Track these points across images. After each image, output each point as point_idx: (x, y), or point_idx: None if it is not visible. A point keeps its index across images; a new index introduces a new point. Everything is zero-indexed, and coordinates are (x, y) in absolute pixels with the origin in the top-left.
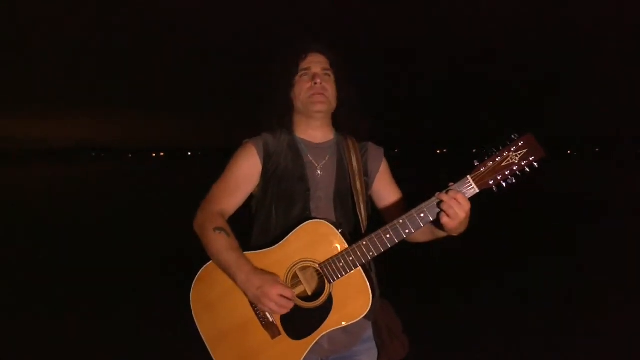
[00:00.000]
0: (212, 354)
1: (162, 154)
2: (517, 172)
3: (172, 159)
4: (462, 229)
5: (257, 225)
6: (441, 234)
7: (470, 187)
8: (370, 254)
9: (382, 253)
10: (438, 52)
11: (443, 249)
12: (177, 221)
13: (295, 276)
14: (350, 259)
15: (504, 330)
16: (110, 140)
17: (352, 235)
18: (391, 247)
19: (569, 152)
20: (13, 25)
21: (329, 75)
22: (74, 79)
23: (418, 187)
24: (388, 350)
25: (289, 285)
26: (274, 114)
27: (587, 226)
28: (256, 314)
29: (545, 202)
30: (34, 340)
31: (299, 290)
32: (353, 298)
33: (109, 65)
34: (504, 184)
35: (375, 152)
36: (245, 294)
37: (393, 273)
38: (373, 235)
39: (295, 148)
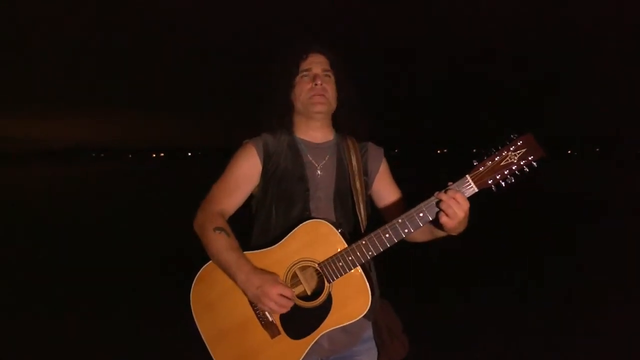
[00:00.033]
0: (212, 354)
1: (162, 154)
2: (516, 172)
3: (172, 159)
4: (461, 229)
5: (257, 225)
6: (440, 233)
7: (469, 187)
8: (370, 253)
9: (382, 253)
10: (438, 52)
11: (442, 249)
12: (177, 221)
13: (294, 276)
14: (350, 258)
15: (504, 330)
16: (110, 140)
17: (352, 235)
18: (390, 247)
19: (569, 152)
20: (13, 25)
21: (329, 76)
22: (74, 79)
23: (418, 187)
24: (388, 350)
25: (289, 284)
26: (274, 114)
27: (587, 226)
28: (256, 313)
29: (545, 202)
30: (34, 340)
31: (298, 290)
32: (352, 298)
33: (109, 65)
34: (503, 184)
35: (375, 152)
36: (245, 294)
37: (392, 273)
38: (372, 234)
39: (295, 148)
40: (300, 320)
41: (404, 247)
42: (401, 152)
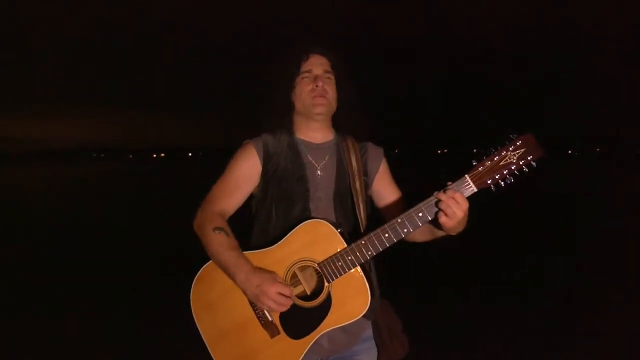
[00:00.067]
0: (212, 354)
1: (162, 154)
2: (515, 172)
3: (172, 159)
4: (460, 228)
5: (257, 225)
6: (440, 233)
7: (469, 187)
8: (369, 253)
9: (381, 252)
10: (438, 52)
11: (442, 249)
12: (177, 221)
13: (294, 276)
14: (349, 258)
15: (503, 330)
16: (110, 140)
17: (352, 235)
18: (390, 247)
19: (569, 152)
20: (13, 25)
21: (330, 78)
22: (74, 79)
23: (418, 187)
24: (388, 349)
25: (288, 284)
26: (274, 114)
27: (587, 226)
28: (255, 313)
29: (545, 202)
30: (34, 340)
31: (298, 289)
32: (352, 297)
33: (109, 65)
34: (502, 184)
35: (375, 152)
36: (245, 293)
37: (392, 273)
38: (372, 234)
39: (295, 149)
40: (300, 320)
41: (403, 247)
42: (401, 152)
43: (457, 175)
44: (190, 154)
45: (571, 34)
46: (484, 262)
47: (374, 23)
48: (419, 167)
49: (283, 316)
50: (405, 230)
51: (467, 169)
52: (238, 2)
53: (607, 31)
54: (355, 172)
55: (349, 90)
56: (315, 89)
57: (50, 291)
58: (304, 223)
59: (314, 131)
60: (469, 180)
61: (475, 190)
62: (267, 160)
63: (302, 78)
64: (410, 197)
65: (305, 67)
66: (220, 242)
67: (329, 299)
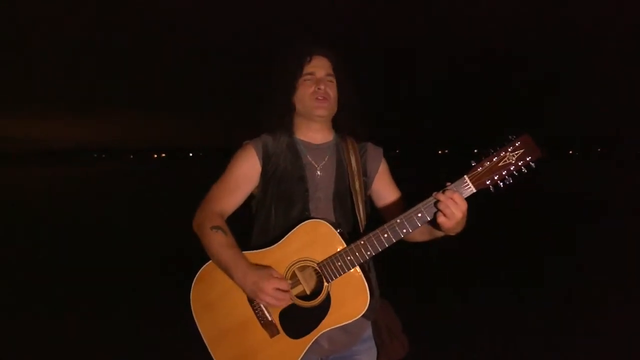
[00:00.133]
0: (212, 354)
1: (163, 154)
2: (514, 172)
3: (173, 159)
4: (459, 229)
5: (257, 226)
6: (439, 233)
7: (468, 187)
8: (368, 253)
9: (381, 253)
10: (438, 52)
11: (442, 249)
12: (177, 221)
13: (294, 275)
14: (349, 258)
15: (503, 330)
16: (110, 140)
17: (351, 235)
18: (389, 247)
19: (569, 152)
20: (13, 25)
21: (332, 81)
22: (74, 79)
23: (418, 187)
24: (387, 349)
25: (286, 279)
26: (274, 115)
27: (587, 226)
28: (255, 312)
29: (545, 202)
30: (34, 340)
31: (297, 289)
32: (351, 297)
33: (109, 65)
34: (501, 184)
35: (374, 152)
36: (243, 290)
37: (392, 273)
38: (371, 234)
39: (294, 149)
40: (299, 320)
41: (403, 247)
42: (401, 152)
43: (456, 176)
44: (190, 154)
45: (571, 34)
46: (484, 262)
47: (374, 23)
48: (419, 167)
49: (282, 316)
50: (405, 230)
51: (466, 169)
52: (238, 2)
53: (607, 31)
54: (355, 173)
55: (350, 92)
56: (317, 92)
57: (50, 291)
58: (303, 223)
59: (314, 132)
60: (468, 181)
61: (474, 191)
62: (267, 161)
63: (304, 80)
64: (410, 197)
65: (307, 69)
66: (218, 241)
67: (328, 299)
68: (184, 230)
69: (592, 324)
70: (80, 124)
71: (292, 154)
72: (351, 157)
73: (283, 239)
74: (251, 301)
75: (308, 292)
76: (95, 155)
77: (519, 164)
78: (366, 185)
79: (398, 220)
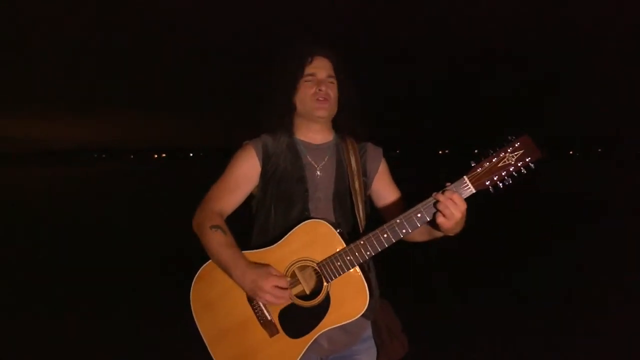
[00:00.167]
0: (211, 353)
1: (163, 154)
2: (514, 173)
3: (173, 159)
4: (457, 229)
5: (257, 225)
6: (438, 234)
7: (467, 188)
8: (368, 253)
9: (380, 252)
10: (438, 52)
11: (442, 249)
12: (177, 221)
13: (293, 275)
14: (348, 258)
15: (503, 330)
16: (110, 140)
17: (351, 235)
18: (388, 247)
19: (569, 152)
20: (13, 25)
21: (333, 82)
22: (74, 79)
23: (418, 187)
24: (387, 349)
25: (285, 277)
26: (274, 115)
27: (587, 226)
28: (254, 312)
29: (545, 202)
30: (34, 340)
31: (297, 289)
32: (350, 297)
33: (109, 65)
34: (500, 185)
35: (374, 153)
36: (243, 289)
37: (391, 273)
38: (371, 235)
39: (294, 149)
40: (299, 319)
41: (403, 247)
42: (401, 152)
43: (456, 176)
44: (190, 154)
45: (571, 34)
46: (484, 262)
47: (374, 23)
48: (419, 167)
49: (282, 315)
50: (404, 231)
51: (466, 170)
52: (238, 2)
53: (607, 31)
54: (355, 173)
55: (350, 92)
56: (318, 93)
57: (50, 291)
58: (303, 223)
59: (315, 132)
60: (467, 182)
61: (474, 191)
62: (267, 161)
63: (306, 81)
64: (410, 197)
65: (309, 70)
66: (217, 240)
67: (327, 299)
68: (184, 230)
69: (592, 324)
70: (80, 124)
71: (292, 154)
72: (351, 157)
73: (283, 239)
74: (251, 300)
75: (307, 292)
76: (95, 155)
77: (519, 165)
78: (366, 186)
79: (397, 221)
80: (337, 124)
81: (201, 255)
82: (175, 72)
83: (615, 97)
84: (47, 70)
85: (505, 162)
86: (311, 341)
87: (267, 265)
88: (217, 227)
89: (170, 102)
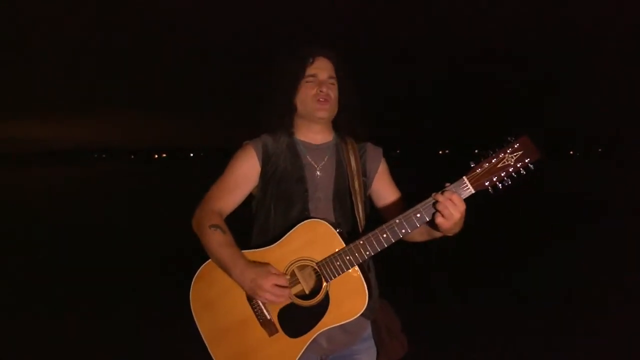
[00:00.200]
0: (211, 352)
1: (163, 154)
2: (513, 174)
3: (173, 159)
4: (456, 230)
5: (257, 225)
6: (437, 234)
7: (466, 188)
8: (367, 253)
9: (379, 252)
10: (438, 52)
11: (442, 249)
12: (177, 221)
13: (293, 275)
14: (348, 258)
15: (503, 330)
16: (110, 140)
17: (350, 235)
18: (388, 247)
19: (569, 152)
20: (13, 25)
21: (334, 83)
22: (74, 80)
23: (418, 187)
24: (387, 349)
25: (284, 275)
26: (274, 115)
27: (587, 226)
28: (254, 311)
29: (545, 202)
30: (34, 340)
31: (296, 288)
32: (349, 297)
33: (109, 66)
34: (499, 185)
35: (374, 153)
36: (242, 288)
37: (391, 273)
38: (370, 234)
39: (294, 150)
40: (298, 319)
41: (403, 247)
42: (401, 152)
43: (456, 176)
44: (190, 154)
45: (571, 34)
46: (484, 262)
47: (374, 23)
48: (419, 168)
49: (281, 315)
50: (404, 231)
51: (465, 170)
52: (238, 2)
53: (607, 31)
54: (355, 173)
55: (351, 93)
56: (319, 94)
57: (50, 291)
58: (303, 223)
59: (315, 133)
60: (467, 182)
61: (473, 192)
62: (266, 161)
63: (307, 82)
64: (410, 197)
65: (310, 70)
66: (217, 240)
67: (326, 298)
68: (184, 230)
69: (592, 324)
70: (80, 124)
71: (291, 154)
72: (351, 157)
73: (282, 239)
74: (250, 300)
75: (307, 292)
76: (95, 155)
77: (518, 165)
78: (365, 186)
79: (397, 221)
80: (337, 124)
81: (201, 255)
82: (175, 72)
83: (615, 97)
84: (47, 71)
85: (504, 163)
86: (310, 340)
87: (266, 264)
88: (216, 226)
89: (170, 102)
